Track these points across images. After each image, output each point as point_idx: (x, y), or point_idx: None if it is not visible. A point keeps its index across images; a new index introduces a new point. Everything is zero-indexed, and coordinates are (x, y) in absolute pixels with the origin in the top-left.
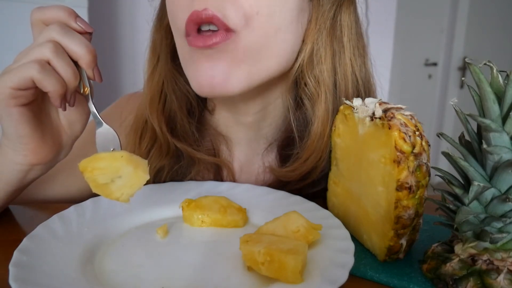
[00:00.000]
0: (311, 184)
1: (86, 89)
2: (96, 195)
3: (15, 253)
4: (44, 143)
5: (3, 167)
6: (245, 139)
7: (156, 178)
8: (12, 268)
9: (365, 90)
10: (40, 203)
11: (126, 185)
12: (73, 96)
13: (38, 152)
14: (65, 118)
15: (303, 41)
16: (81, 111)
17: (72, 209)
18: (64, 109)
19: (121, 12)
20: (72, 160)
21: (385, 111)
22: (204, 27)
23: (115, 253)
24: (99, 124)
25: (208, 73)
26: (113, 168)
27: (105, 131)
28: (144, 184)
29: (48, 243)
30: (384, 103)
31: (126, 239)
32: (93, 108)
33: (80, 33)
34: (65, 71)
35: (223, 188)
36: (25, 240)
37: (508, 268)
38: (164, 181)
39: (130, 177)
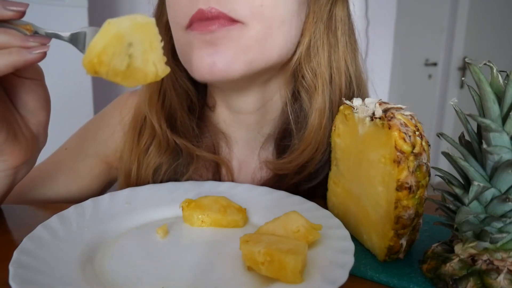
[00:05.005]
0: (308, 178)
1: (27, 26)
2: (95, 195)
3: (15, 253)
4: (18, 143)
5: None
6: (245, 138)
7: (154, 176)
8: (12, 268)
9: (357, 84)
10: (40, 203)
11: (146, 50)
12: (33, 39)
13: (16, 153)
14: (25, 110)
15: (301, 34)
16: (35, 98)
17: (72, 209)
18: (44, 56)
19: (121, 12)
20: (71, 160)
21: (385, 111)
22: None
23: (115, 253)
24: (79, 30)
25: (208, 59)
26: (113, 40)
27: (89, 31)
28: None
29: (48, 243)
30: (384, 103)
31: (126, 239)
32: (48, 31)
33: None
34: None
35: (223, 188)
36: (25, 240)
37: (508, 268)
38: (162, 179)
39: (137, 34)
